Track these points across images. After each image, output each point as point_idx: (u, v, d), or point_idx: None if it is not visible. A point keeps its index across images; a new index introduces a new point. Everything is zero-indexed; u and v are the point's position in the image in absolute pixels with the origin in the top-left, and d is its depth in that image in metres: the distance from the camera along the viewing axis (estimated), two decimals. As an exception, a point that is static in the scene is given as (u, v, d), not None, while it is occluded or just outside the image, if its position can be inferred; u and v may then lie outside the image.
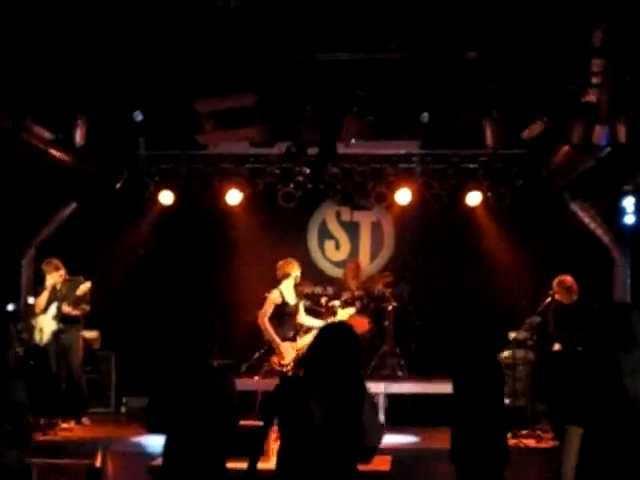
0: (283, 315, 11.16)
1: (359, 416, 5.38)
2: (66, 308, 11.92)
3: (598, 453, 4.93)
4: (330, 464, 5.34)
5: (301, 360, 5.64)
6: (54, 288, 12.05)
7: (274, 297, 11.13)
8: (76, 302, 11.99)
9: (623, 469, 4.89)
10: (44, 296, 12.03)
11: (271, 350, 11.11)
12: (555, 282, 11.13)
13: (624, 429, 4.89)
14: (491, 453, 7.42)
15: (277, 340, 10.98)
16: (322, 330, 5.79)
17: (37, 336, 12.02)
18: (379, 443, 5.57)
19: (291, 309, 11.22)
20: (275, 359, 10.95)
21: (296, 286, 11.44)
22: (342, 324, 6.06)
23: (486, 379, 7.54)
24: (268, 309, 11.11)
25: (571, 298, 10.98)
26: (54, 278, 12.05)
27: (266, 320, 11.05)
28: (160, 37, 10.09)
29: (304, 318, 11.43)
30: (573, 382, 5.11)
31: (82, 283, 12.01)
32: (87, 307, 12.12)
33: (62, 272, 12.11)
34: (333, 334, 5.62)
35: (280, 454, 5.59)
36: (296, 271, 11.32)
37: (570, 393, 5.10)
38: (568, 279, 11.10)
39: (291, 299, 11.25)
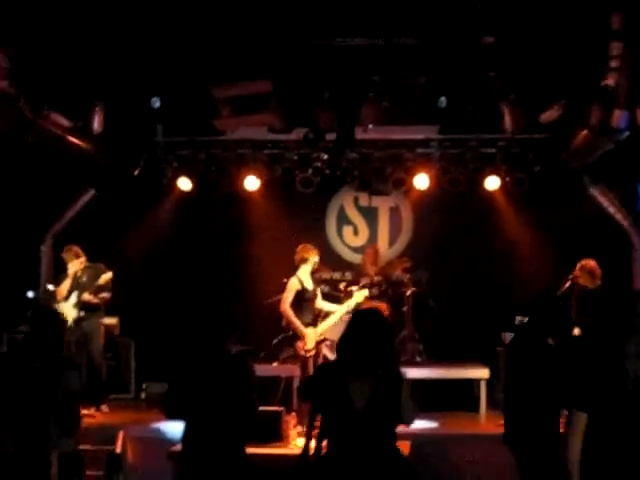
0: (302, 301, 11.14)
1: (398, 399, 5.57)
2: (87, 296, 11.94)
3: (602, 438, 4.91)
4: (373, 447, 5.51)
5: (336, 347, 5.71)
6: (75, 276, 12.08)
7: (293, 284, 11.11)
8: (97, 291, 12.02)
9: (627, 454, 4.87)
10: (66, 284, 12.05)
11: (294, 336, 11.11)
12: (578, 266, 11.06)
13: (627, 414, 4.86)
14: (545, 433, 7.35)
15: (301, 326, 10.97)
16: (355, 316, 5.94)
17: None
18: (414, 422, 5.79)
19: (309, 295, 11.20)
20: (300, 344, 10.95)
21: (313, 272, 11.43)
22: (372, 310, 6.13)
23: (537, 361, 7.49)
24: (289, 296, 11.08)
25: (595, 283, 10.89)
26: (75, 266, 12.06)
27: (288, 307, 11.04)
28: (177, 23, 10.10)
29: (322, 303, 11.42)
30: (577, 367, 5.09)
31: (103, 271, 12.03)
32: (108, 295, 12.15)
33: (82, 259, 12.13)
34: (366, 320, 5.74)
35: (321, 440, 5.77)
36: (314, 257, 11.29)
37: (574, 378, 5.08)
38: (592, 263, 11.02)
39: (309, 285, 11.24)
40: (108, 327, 12.98)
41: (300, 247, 11.41)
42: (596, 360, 5.01)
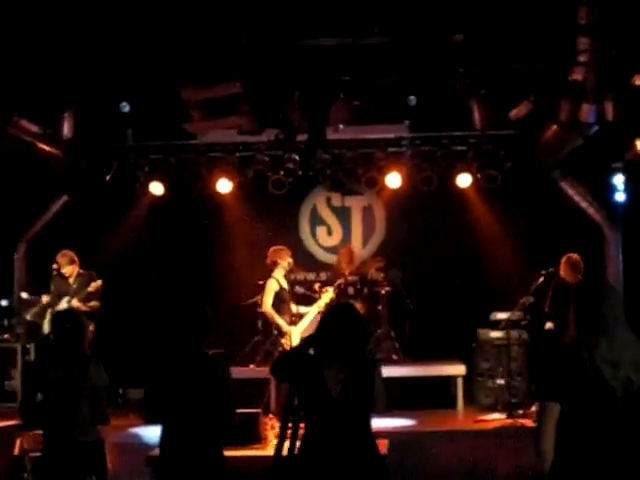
0: (280, 302, 11.22)
1: (372, 385, 5.76)
2: (76, 303, 11.80)
3: (574, 431, 4.91)
4: (349, 433, 5.68)
5: (311, 339, 5.91)
6: (67, 281, 11.98)
7: (272, 285, 11.18)
8: (87, 298, 11.92)
9: (599, 448, 4.87)
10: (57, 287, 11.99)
11: (277, 335, 11.19)
12: (563, 259, 11.10)
13: (598, 408, 4.86)
14: None
15: (286, 326, 11.08)
16: (330, 310, 6.37)
17: (46, 327, 11.88)
18: (386, 409, 5.99)
19: (286, 295, 11.26)
20: (284, 342, 11.01)
21: (287, 273, 11.48)
22: (347, 304, 6.38)
23: None
24: (269, 297, 11.17)
25: (576, 277, 10.90)
26: (69, 271, 11.97)
27: (269, 308, 11.12)
28: (144, 27, 10.07)
29: (292, 305, 11.47)
30: (549, 358, 5.08)
31: (94, 278, 11.97)
32: (97, 304, 12.03)
33: (76, 265, 12.05)
34: (340, 311, 6.02)
35: (295, 430, 5.92)
36: (286, 258, 11.36)
37: (546, 369, 5.07)
38: (576, 256, 11.07)
39: (286, 285, 11.30)
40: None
41: (271, 250, 11.47)
42: (565, 353, 5.01)
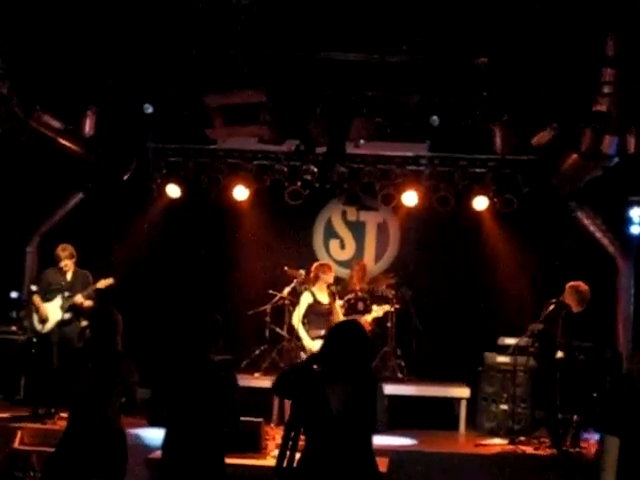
0: (314, 314, 11.57)
1: (374, 404, 5.67)
2: (79, 299, 11.80)
3: (636, 463, 4.88)
4: (349, 451, 5.60)
5: (315, 356, 5.92)
6: (63, 276, 11.95)
7: (305, 298, 11.69)
8: (91, 294, 11.92)
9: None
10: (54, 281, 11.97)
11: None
12: (569, 287, 11.03)
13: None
14: None
15: (308, 340, 11.47)
16: (335, 327, 6.18)
17: (38, 324, 11.82)
18: (386, 429, 5.89)
19: (323, 308, 11.66)
20: (304, 356, 11.13)
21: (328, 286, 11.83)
22: (352, 321, 6.34)
23: None
24: (299, 310, 11.65)
25: (581, 306, 10.89)
26: (68, 265, 11.92)
27: (297, 321, 11.59)
28: (172, 31, 10.11)
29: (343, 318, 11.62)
30: (609, 391, 5.08)
31: (88, 277, 11.95)
32: (93, 303, 12.00)
33: (74, 260, 11.99)
34: (345, 329, 5.95)
35: (295, 444, 5.83)
36: (329, 274, 11.83)
37: (606, 402, 5.05)
38: (585, 287, 10.98)
39: (323, 299, 11.67)
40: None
41: (315, 265, 11.85)
42: (626, 384, 4.99)
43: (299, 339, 11.62)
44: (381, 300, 13.82)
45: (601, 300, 11.35)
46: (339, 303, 12.05)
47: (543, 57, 10.08)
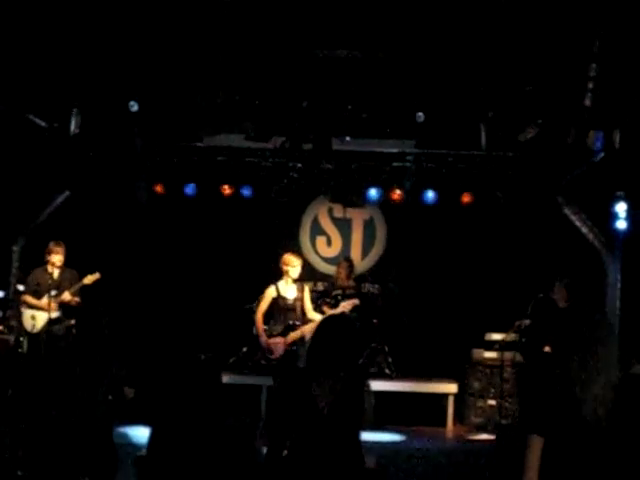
0: (276, 310, 11.03)
1: (361, 400, 5.67)
2: (67, 297, 11.78)
3: (557, 463, 4.88)
4: (336, 447, 5.54)
5: (291, 352, 5.84)
6: (50, 275, 11.91)
7: (269, 292, 11.02)
8: (78, 292, 11.88)
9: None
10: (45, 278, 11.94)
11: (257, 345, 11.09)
12: (557, 283, 11.07)
13: (579, 439, 4.83)
14: None
15: (262, 336, 10.88)
16: (322, 323, 5.98)
17: (29, 323, 11.88)
18: (373, 424, 5.82)
19: (285, 304, 10.99)
20: (259, 354, 10.93)
21: (295, 281, 11.23)
22: (340, 316, 6.18)
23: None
24: (263, 304, 11.02)
25: (568, 301, 10.92)
26: (59, 262, 11.86)
27: (259, 315, 11.00)
28: (157, 28, 10.09)
29: (313, 314, 11.16)
30: (534, 390, 5.06)
31: (76, 276, 11.94)
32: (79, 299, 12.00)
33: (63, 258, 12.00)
34: (332, 324, 5.82)
35: (283, 444, 5.73)
36: (293, 264, 11.11)
37: (532, 401, 5.05)
38: (574, 282, 11.03)
39: (289, 294, 11.06)
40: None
41: (283, 257, 11.21)
42: (548, 383, 4.99)
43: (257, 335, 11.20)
44: (367, 298, 13.82)
45: (588, 295, 11.36)
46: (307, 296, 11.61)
47: (528, 53, 10.09)
